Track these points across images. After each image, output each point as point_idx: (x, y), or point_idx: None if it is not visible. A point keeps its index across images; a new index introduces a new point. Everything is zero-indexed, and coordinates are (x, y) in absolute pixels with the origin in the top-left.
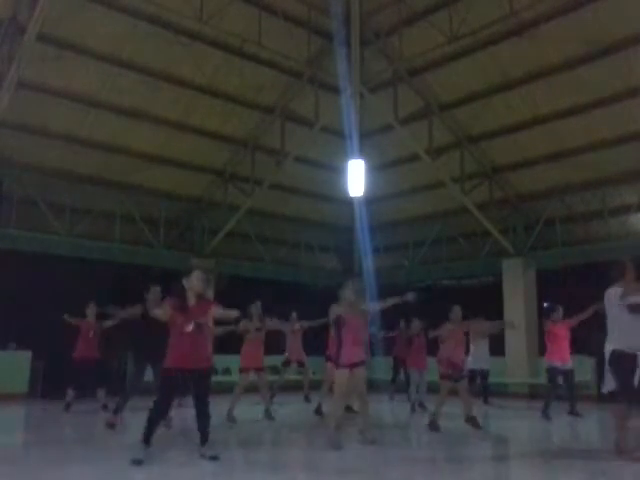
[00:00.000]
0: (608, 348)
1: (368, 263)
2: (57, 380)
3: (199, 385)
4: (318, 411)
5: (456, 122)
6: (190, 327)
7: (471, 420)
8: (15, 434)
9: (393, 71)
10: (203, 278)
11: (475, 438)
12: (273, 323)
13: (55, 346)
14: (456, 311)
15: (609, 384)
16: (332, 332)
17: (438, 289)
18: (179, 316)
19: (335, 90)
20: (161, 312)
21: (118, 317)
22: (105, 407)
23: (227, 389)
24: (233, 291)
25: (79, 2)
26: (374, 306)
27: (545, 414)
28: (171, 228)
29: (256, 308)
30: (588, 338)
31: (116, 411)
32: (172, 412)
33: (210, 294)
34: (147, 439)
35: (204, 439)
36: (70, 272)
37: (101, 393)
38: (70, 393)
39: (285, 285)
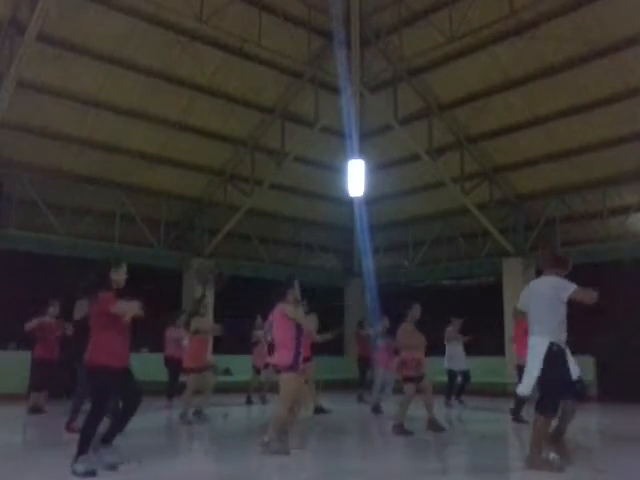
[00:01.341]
0: (540, 341)
1: (368, 263)
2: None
3: (130, 384)
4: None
5: (456, 122)
6: (128, 319)
7: (433, 423)
8: (15, 434)
9: (393, 71)
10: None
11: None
12: (216, 329)
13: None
14: (415, 309)
15: (528, 385)
16: (278, 334)
17: (438, 289)
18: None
19: (335, 90)
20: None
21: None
22: (39, 410)
23: (227, 389)
24: (233, 291)
25: (79, 2)
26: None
27: (517, 418)
28: (171, 228)
29: (204, 307)
30: (588, 338)
31: (74, 415)
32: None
33: (210, 294)
34: (88, 447)
35: (110, 440)
36: (70, 272)
37: (38, 395)
38: (39, 395)
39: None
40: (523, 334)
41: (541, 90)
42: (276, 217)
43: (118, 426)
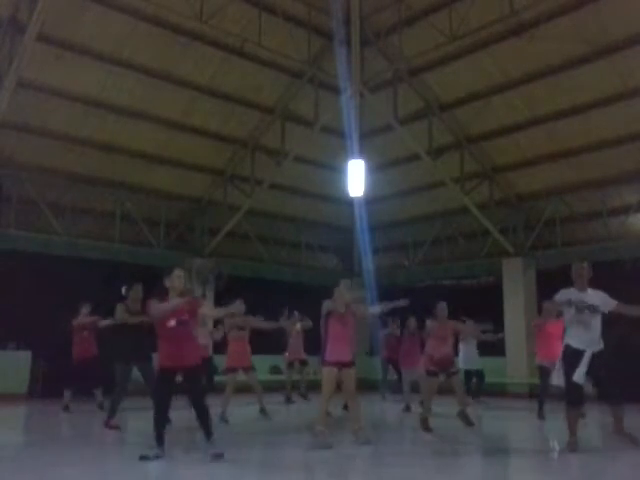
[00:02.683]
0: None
1: (368, 263)
2: (57, 380)
3: (191, 382)
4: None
5: (456, 122)
6: (172, 323)
7: (463, 416)
8: (15, 434)
9: (393, 71)
10: (182, 276)
11: (471, 438)
12: (256, 321)
13: (55, 346)
14: (441, 307)
15: (557, 378)
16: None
17: (438, 289)
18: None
19: (335, 90)
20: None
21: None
22: (102, 406)
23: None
24: (233, 291)
25: (79, 2)
26: (374, 309)
27: (539, 414)
28: (171, 228)
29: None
30: None
31: (112, 413)
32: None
33: (210, 294)
34: (158, 439)
35: (208, 434)
36: (70, 272)
37: (98, 392)
38: (67, 394)
39: (285, 285)
40: (547, 337)
41: (541, 90)
42: (276, 217)
43: (204, 426)
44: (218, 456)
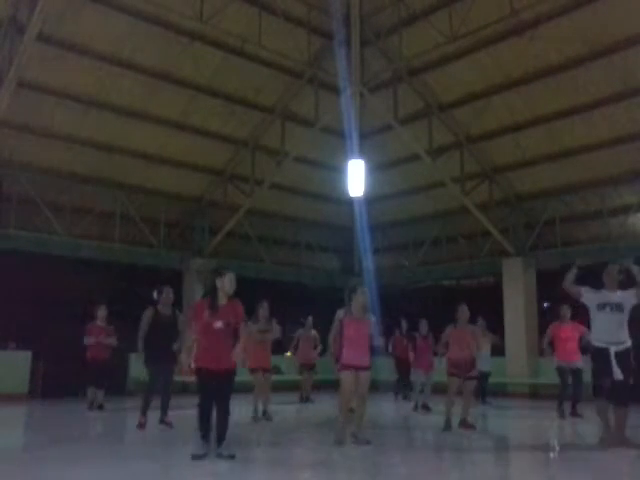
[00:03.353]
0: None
1: (368, 263)
2: (57, 380)
3: (221, 385)
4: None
5: (456, 122)
6: (219, 324)
7: (463, 424)
8: (15, 434)
9: (393, 71)
10: (234, 279)
11: (475, 437)
12: (277, 330)
13: (55, 346)
14: (463, 310)
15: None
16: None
17: (438, 289)
18: (208, 314)
19: (335, 90)
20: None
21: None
22: (100, 407)
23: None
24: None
25: (79, 2)
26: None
27: (558, 412)
28: (171, 228)
29: (263, 309)
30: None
31: (143, 411)
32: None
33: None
34: (204, 436)
35: (221, 439)
36: (70, 272)
37: (95, 392)
38: (99, 394)
39: (285, 285)
40: (562, 340)
41: (541, 90)
42: (276, 217)
43: (219, 428)
44: (229, 457)
